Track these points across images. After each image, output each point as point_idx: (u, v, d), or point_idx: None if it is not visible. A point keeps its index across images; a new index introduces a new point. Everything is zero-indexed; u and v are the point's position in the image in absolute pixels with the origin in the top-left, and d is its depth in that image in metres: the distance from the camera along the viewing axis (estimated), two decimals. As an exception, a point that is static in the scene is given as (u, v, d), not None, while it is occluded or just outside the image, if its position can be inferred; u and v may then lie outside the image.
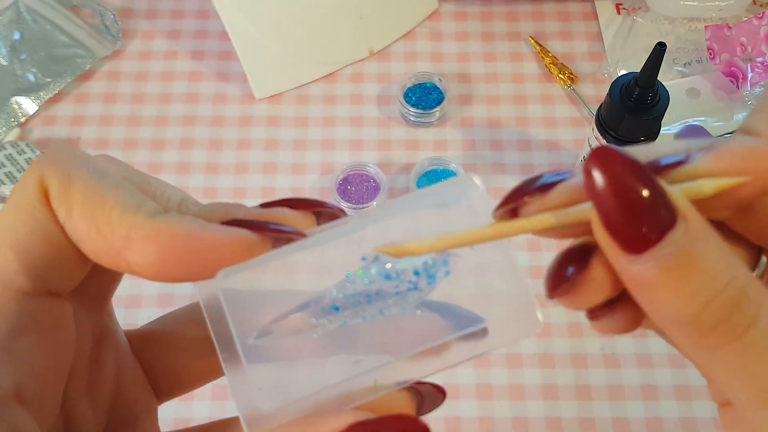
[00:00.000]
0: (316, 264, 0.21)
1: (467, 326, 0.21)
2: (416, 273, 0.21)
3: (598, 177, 0.18)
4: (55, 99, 0.67)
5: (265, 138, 0.66)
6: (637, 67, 0.52)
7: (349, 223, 0.21)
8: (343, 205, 0.60)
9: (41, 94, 0.66)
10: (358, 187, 0.62)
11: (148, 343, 0.23)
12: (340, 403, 0.20)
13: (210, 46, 0.71)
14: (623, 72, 0.68)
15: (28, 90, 0.66)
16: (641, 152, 0.20)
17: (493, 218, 0.21)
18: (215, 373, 0.23)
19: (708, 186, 0.19)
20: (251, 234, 0.19)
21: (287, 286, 0.21)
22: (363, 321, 0.21)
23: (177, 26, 0.72)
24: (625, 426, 0.53)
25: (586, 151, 0.58)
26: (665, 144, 0.21)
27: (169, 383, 0.24)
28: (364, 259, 0.21)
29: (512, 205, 0.20)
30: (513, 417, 0.53)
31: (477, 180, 0.22)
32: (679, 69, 0.68)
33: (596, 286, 0.20)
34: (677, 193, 0.18)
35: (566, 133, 0.66)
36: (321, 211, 0.22)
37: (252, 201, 0.62)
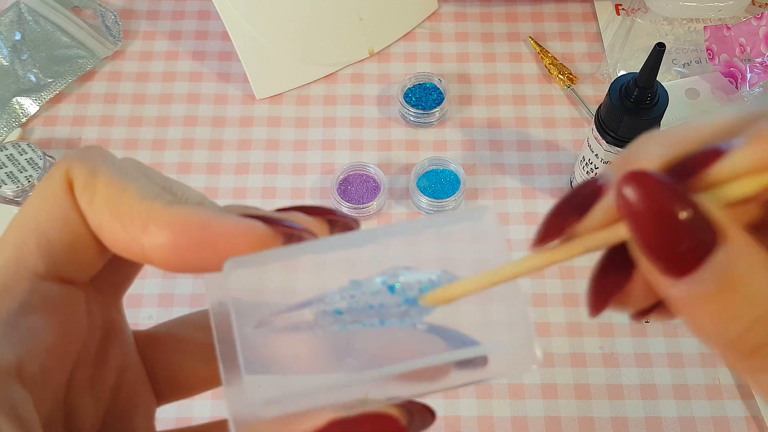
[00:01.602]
0: (323, 267, 0.21)
1: (467, 355, 0.21)
2: (421, 290, 0.21)
3: (634, 204, 0.18)
4: (57, 99, 0.67)
5: (266, 138, 0.66)
6: (637, 67, 0.52)
7: (365, 235, 0.21)
8: (344, 205, 0.61)
9: (42, 94, 0.67)
10: (358, 187, 0.62)
11: (153, 343, 0.24)
12: (327, 411, 0.20)
13: (211, 47, 0.71)
14: (622, 72, 0.68)
15: (29, 90, 0.67)
16: (678, 138, 0.19)
17: (531, 252, 0.20)
18: (218, 380, 0.23)
19: (749, 186, 0.18)
20: (263, 226, 0.19)
21: (292, 287, 0.21)
22: (362, 328, 0.21)
23: (178, 27, 0.72)
24: (624, 425, 0.53)
25: (585, 151, 0.58)
26: (704, 123, 0.19)
27: (171, 386, 0.24)
28: (383, 281, 0.21)
29: (551, 240, 0.20)
30: (512, 416, 0.54)
31: (491, 214, 0.22)
32: (678, 69, 0.69)
33: (638, 299, 0.20)
34: (718, 210, 0.18)
35: (566, 133, 0.66)
36: (335, 221, 0.22)
37: (253, 201, 0.63)
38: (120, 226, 0.19)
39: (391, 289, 0.20)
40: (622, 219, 0.18)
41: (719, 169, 0.18)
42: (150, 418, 0.23)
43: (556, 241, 0.20)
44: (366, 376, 0.20)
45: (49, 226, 0.19)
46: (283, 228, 0.20)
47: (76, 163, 0.20)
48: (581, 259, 0.59)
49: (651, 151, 0.19)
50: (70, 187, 0.19)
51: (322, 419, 0.19)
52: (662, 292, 0.18)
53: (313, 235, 0.21)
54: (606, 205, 0.19)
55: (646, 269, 0.18)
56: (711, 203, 0.18)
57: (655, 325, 0.57)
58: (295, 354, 0.21)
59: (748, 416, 0.53)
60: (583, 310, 0.58)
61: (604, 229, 0.19)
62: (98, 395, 0.21)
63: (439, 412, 0.54)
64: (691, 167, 0.19)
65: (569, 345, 0.57)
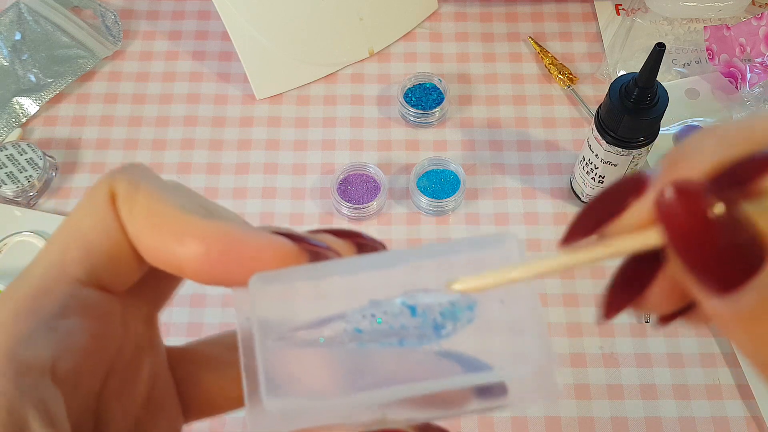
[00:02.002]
0: (346, 286, 0.22)
1: (485, 380, 0.21)
2: (442, 314, 0.21)
3: (675, 219, 0.17)
4: (57, 99, 0.67)
5: (266, 138, 0.66)
6: (637, 67, 0.52)
7: (387, 257, 0.22)
8: (344, 205, 0.61)
9: (42, 94, 0.67)
10: (358, 187, 0.62)
11: (184, 360, 0.24)
12: (345, 429, 0.20)
13: (211, 47, 0.71)
14: (622, 72, 0.68)
15: (29, 90, 0.67)
16: (738, 136, 0.18)
17: (560, 250, 0.19)
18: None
19: None
20: (290, 242, 0.20)
21: (315, 304, 0.22)
22: (380, 347, 0.21)
23: (178, 27, 0.72)
24: (623, 425, 0.53)
25: (585, 151, 0.58)
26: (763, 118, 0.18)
27: (199, 404, 0.24)
28: (403, 302, 0.21)
29: (578, 240, 0.19)
30: (512, 416, 0.54)
31: (514, 240, 0.22)
32: (678, 69, 0.69)
33: (660, 306, 0.19)
34: None
35: (565, 133, 0.66)
36: (363, 244, 0.23)
37: (253, 201, 0.63)
38: (157, 236, 0.20)
39: (413, 310, 0.21)
40: (660, 230, 0.17)
41: None
42: None
43: (590, 239, 0.19)
44: (384, 395, 0.20)
45: (91, 235, 0.20)
46: (310, 246, 0.21)
47: (120, 176, 0.21)
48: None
49: (706, 149, 0.18)
50: (113, 199, 0.20)
51: None
52: (700, 301, 0.18)
53: (339, 255, 0.21)
54: (645, 206, 0.18)
55: (685, 280, 0.18)
56: (764, 215, 0.17)
57: (655, 325, 0.57)
58: (314, 370, 0.21)
59: (748, 416, 0.54)
60: (583, 310, 0.58)
61: (637, 232, 0.18)
62: (127, 407, 0.22)
63: (439, 412, 0.54)
64: (747, 172, 0.17)
65: (569, 345, 0.57)
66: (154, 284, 0.23)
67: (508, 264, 0.20)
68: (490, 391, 0.21)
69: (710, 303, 0.17)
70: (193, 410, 0.24)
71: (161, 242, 0.20)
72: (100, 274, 0.20)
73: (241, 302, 0.21)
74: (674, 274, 0.18)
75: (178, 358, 0.24)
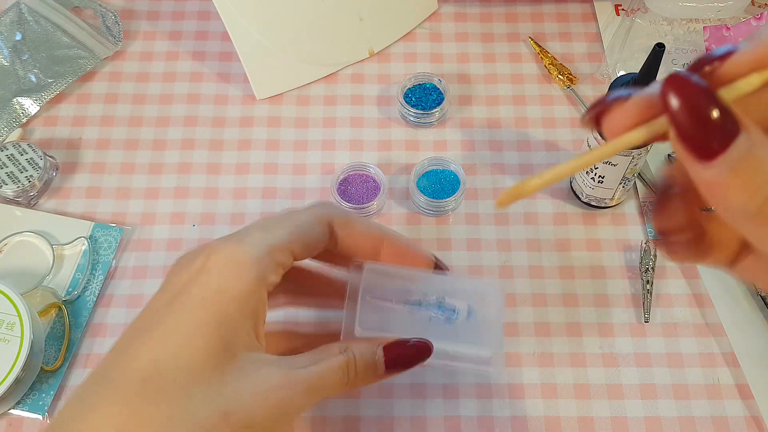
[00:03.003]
0: (415, 284, 0.46)
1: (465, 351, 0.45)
2: (455, 311, 0.45)
3: (673, 101, 0.23)
4: (57, 99, 0.67)
5: (266, 138, 0.66)
6: (636, 67, 0.52)
7: (439, 276, 0.47)
8: (344, 205, 0.61)
9: (43, 94, 0.67)
10: (358, 187, 0.62)
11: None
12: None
13: (211, 47, 0.71)
14: (622, 73, 0.68)
15: (29, 91, 0.67)
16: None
17: (582, 123, 0.28)
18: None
19: (755, 79, 0.23)
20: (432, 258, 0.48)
21: (397, 286, 0.45)
22: (419, 320, 0.45)
23: (178, 27, 0.72)
24: (623, 425, 0.53)
25: (585, 151, 0.58)
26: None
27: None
28: (436, 299, 0.46)
29: (600, 109, 0.27)
30: (512, 416, 0.54)
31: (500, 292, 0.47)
32: (678, 70, 0.69)
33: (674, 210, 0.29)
34: (737, 111, 0.22)
35: (565, 133, 0.66)
36: (437, 264, 0.47)
37: (253, 201, 0.63)
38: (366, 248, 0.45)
39: (440, 306, 0.45)
40: (665, 115, 0.24)
41: (731, 63, 0.24)
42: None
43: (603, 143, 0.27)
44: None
45: (311, 235, 0.41)
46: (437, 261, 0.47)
47: (336, 212, 0.43)
48: (579, 261, 0.60)
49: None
50: (330, 222, 0.42)
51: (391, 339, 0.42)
52: (697, 178, 0.23)
53: (445, 267, 0.48)
54: (645, 96, 0.25)
55: (684, 159, 0.23)
56: (726, 98, 0.23)
57: (655, 325, 0.57)
58: (385, 318, 0.44)
59: (748, 416, 0.54)
60: (583, 310, 0.58)
61: (645, 117, 0.25)
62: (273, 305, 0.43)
63: (439, 412, 0.54)
64: (709, 61, 0.24)
65: (569, 345, 0.57)
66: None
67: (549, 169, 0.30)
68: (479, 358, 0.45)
69: (704, 172, 0.23)
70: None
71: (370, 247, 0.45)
72: (300, 252, 0.40)
73: (357, 273, 0.44)
74: (677, 151, 0.24)
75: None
